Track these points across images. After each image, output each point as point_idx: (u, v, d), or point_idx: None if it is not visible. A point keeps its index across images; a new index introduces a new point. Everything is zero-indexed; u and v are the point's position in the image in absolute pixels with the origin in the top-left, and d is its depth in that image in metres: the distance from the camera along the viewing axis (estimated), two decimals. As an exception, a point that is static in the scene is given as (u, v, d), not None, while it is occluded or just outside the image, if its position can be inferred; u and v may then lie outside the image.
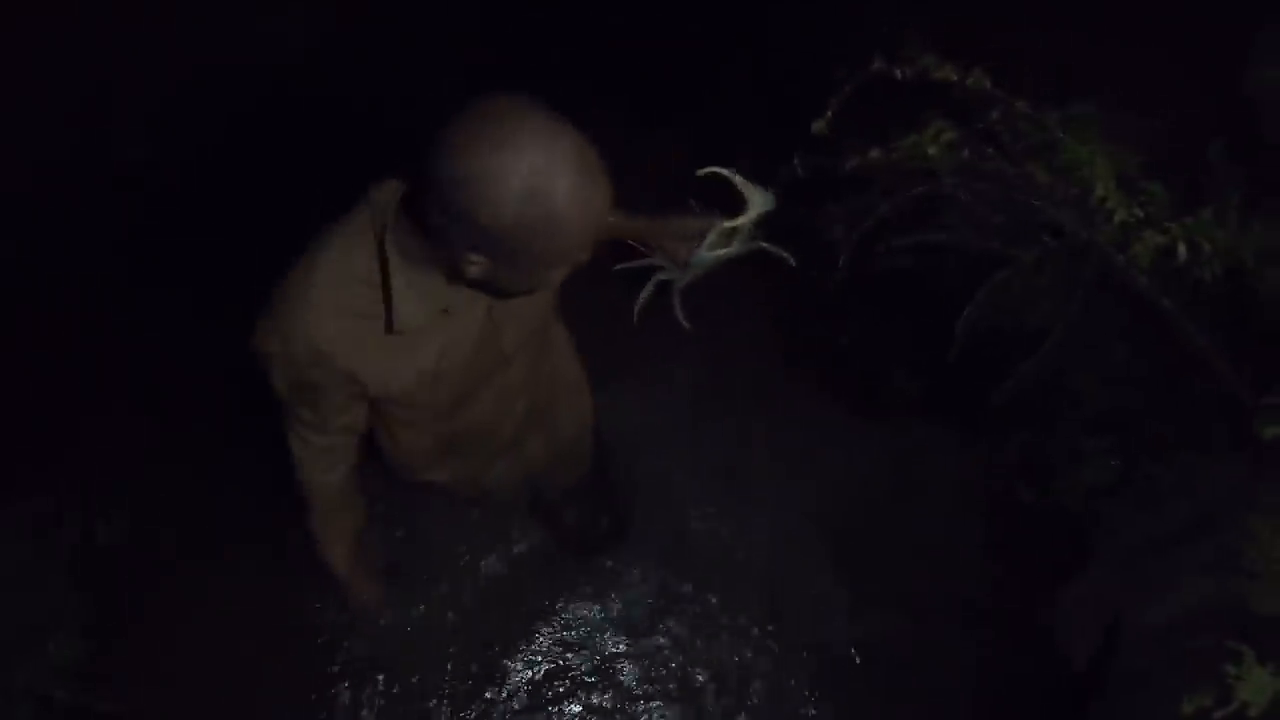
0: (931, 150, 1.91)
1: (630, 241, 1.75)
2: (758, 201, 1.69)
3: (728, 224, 1.65)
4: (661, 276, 1.73)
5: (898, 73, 1.82)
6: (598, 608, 2.60)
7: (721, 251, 1.68)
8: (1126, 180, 1.73)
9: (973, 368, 2.21)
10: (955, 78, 1.79)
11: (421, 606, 2.58)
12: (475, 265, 1.14)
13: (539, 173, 1.04)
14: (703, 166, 1.68)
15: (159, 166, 2.99)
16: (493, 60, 3.04)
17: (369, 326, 1.26)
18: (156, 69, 3.03)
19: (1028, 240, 1.91)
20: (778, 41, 2.95)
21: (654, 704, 2.46)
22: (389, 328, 1.26)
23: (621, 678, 2.50)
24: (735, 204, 1.69)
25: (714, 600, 2.56)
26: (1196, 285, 1.76)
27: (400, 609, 2.56)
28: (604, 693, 2.49)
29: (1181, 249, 1.68)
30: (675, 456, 2.74)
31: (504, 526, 2.64)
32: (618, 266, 1.75)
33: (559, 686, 2.50)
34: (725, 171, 1.67)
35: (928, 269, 2.17)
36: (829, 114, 1.95)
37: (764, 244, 1.75)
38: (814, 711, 2.40)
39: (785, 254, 1.78)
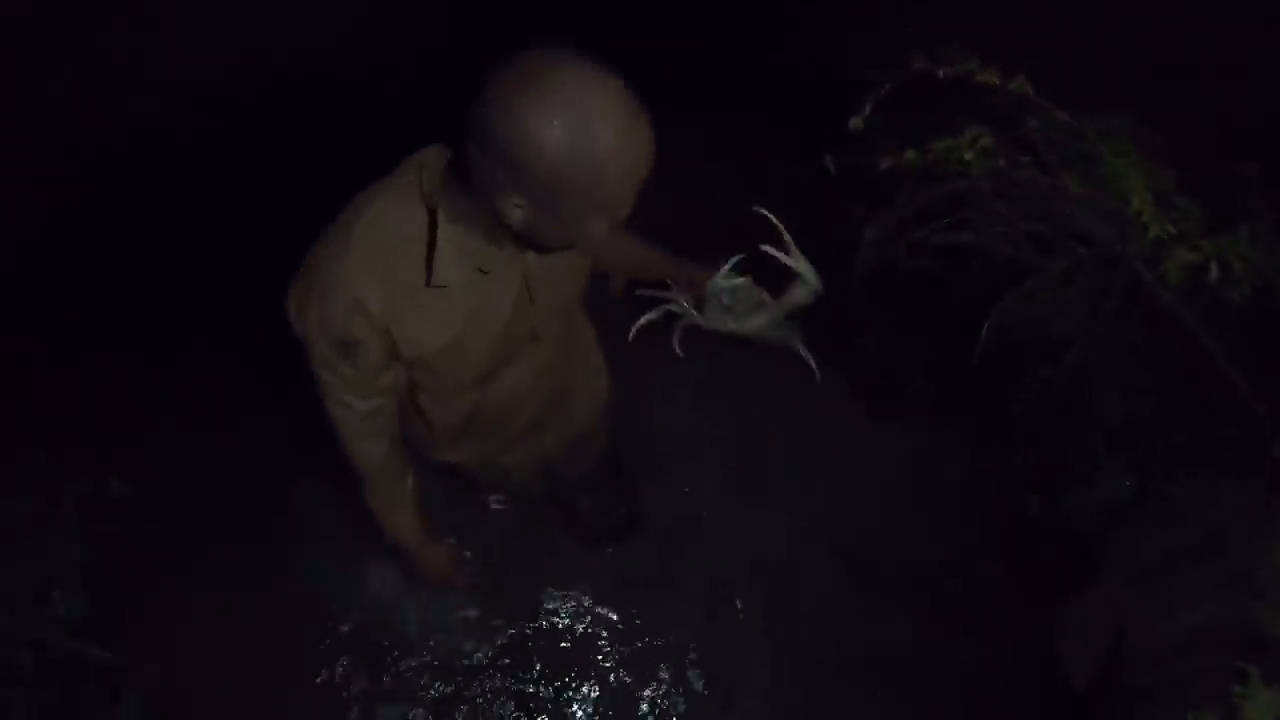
0: (967, 155, 1.91)
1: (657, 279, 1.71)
2: (803, 286, 1.59)
3: (763, 298, 1.61)
4: (672, 308, 1.68)
5: (940, 73, 1.83)
6: (605, 598, 2.60)
7: (743, 325, 1.65)
8: (1161, 196, 1.73)
9: (991, 376, 2.21)
10: (998, 82, 1.79)
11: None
12: (519, 209, 1.16)
13: (584, 115, 1.06)
14: (723, 164, 1.69)
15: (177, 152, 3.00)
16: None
17: (406, 281, 1.27)
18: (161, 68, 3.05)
19: (1057, 249, 1.91)
20: (805, 41, 2.94)
21: (656, 699, 2.47)
22: (428, 280, 1.27)
23: (625, 671, 2.50)
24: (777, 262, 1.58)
25: (722, 597, 2.56)
26: (1221, 305, 1.77)
27: (407, 591, 2.58)
28: (606, 685, 2.49)
29: (1214, 267, 1.68)
30: (689, 453, 2.75)
31: (519, 512, 2.65)
32: (639, 290, 1.71)
33: (562, 677, 2.51)
34: (783, 234, 1.56)
35: (951, 274, 2.17)
36: (866, 112, 1.96)
37: (799, 346, 1.69)
38: (815, 713, 2.40)
39: (812, 362, 1.70)
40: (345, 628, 2.54)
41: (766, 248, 1.52)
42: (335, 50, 3.08)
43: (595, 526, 2.63)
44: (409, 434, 1.67)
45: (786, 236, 1.54)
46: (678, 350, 1.68)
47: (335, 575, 2.59)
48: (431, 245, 1.25)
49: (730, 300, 1.62)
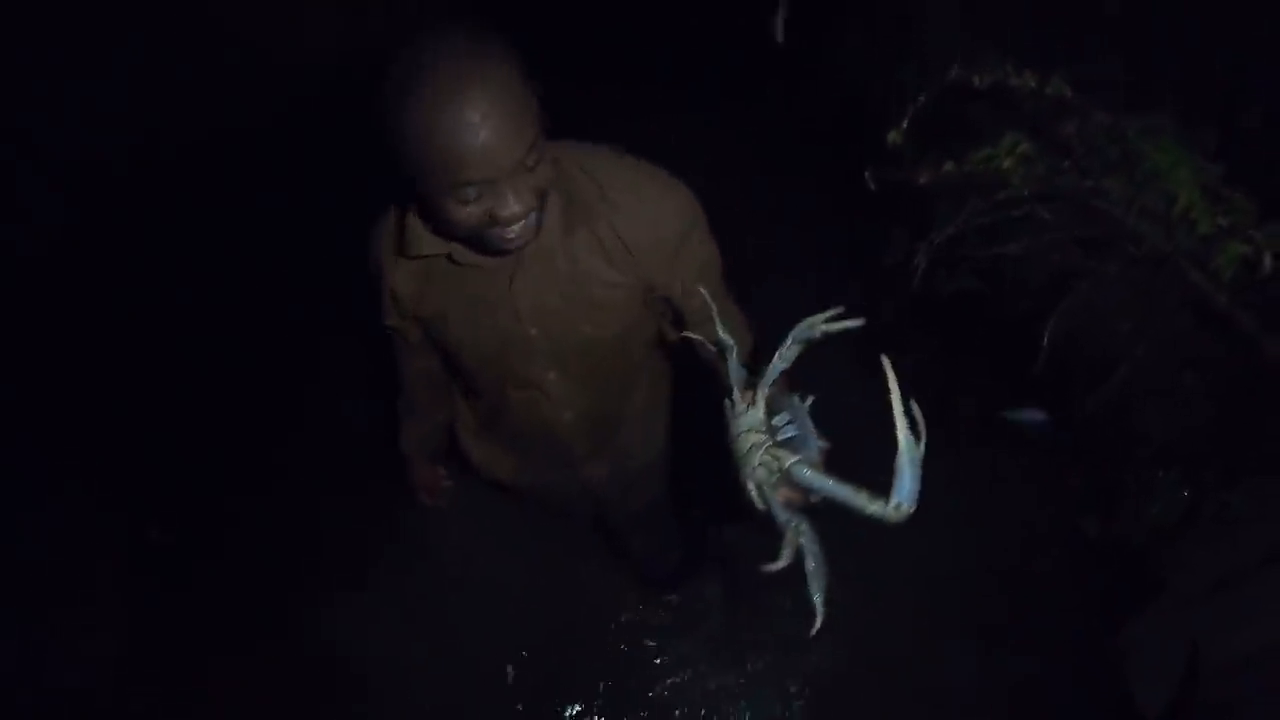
0: (1006, 163, 1.92)
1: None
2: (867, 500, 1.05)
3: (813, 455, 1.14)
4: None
5: (976, 80, 1.84)
6: (647, 639, 2.55)
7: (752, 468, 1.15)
8: (1209, 190, 1.72)
9: (1042, 395, 2.18)
10: (1034, 85, 1.80)
11: (468, 608, 2.57)
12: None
13: (409, 82, 1.09)
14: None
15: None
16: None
17: (393, 246, 1.42)
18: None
19: (1106, 253, 1.89)
20: (841, 56, 2.99)
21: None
22: (398, 249, 1.41)
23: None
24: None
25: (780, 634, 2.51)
26: (1275, 303, 1.74)
27: (448, 610, 2.55)
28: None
29: (1267, 259, 1.65)
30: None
31: (575, 544, 2.62)
32: (684, 334, 1.40)
33: (594, 704, 2.45)
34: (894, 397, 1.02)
35: (994, 290, 2.15)
36: (904, 124, 1.97)
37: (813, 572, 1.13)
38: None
39: (819, 600, 1.11)
40: (376, 681, 2.46)
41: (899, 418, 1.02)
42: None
43: (644, 567, 2.58)
44: (461, 445, 1.88)
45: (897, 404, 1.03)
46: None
47: (368, 625, 2.52)
48: (399, 221, 1.38)
49: (780, 423, 1.17)
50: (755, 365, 1.24)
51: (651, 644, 2.58)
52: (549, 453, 1.77)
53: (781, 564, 1.10)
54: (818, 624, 1.10)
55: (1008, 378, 2.18)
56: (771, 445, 1.13)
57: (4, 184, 2.83)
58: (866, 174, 2.06)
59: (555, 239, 1.34)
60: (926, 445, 1.02)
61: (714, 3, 3.33)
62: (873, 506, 1.03)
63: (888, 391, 1.02)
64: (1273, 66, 1.68)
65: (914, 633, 2.42)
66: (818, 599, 1.10)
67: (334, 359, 2.86)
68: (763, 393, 1.16)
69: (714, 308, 1.29)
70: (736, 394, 1.17)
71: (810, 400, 1.18)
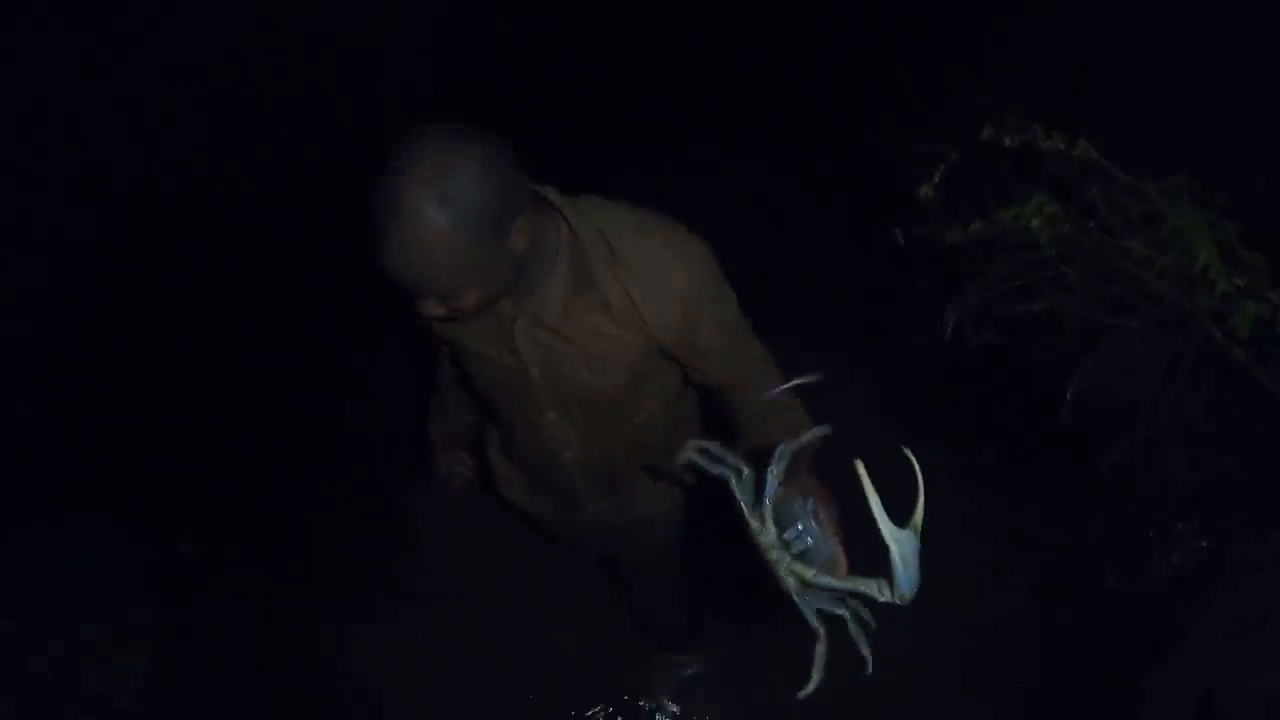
0: (1033, 223, 2.00)
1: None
2: (887, 585, 1.09)
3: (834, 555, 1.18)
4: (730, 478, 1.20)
5: (1006, 141, 1.94)
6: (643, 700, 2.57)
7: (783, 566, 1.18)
8: (1226, 250, 1.80)
9: (1064, 447, 2.23)
10: (1063, 147, 1.89)
11: (466, 636, 2.59)
12: None
13: (381, 176, 1.14)
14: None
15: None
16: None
17: None
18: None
19: (1128, 311, 1.97)
20: (871, 116, 3.11)
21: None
22: None
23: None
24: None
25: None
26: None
27: (447, 635, 2.58)
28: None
29: (1281, 318, 1.73)
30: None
31: (582, 581, 2.63)
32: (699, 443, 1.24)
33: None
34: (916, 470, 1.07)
35: (1019, 345, 2.22)
36: (936, 180, 2.06)
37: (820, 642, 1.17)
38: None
39: (867, 653, 1.20)
40: (399, 702, 2.49)
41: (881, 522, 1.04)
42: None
43: (649, 620, 2.57)
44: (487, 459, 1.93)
45: (919, 510, 1.08)
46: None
47: (384, 646, 2.55)
48: None
49: (792, 533, 1.20)
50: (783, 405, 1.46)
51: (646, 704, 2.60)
52: (554, 485, 1.81)
53: (810, 689, 1.16)
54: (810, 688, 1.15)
55: (1032, 429, 2.24)
56: (790, 561, 1.18)
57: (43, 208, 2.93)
58: (896, 231, 2.14)
59: (559, 295, 1.37)
60: (925, 526, 1.07)
61: (743, 62, 3.48)
62: (883, 597, 1.11)
63: (866, 494, 1.04)
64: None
65: (928, 682, 2.41)
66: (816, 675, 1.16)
67: (368, 381, 2.96)
68: (767, 513, 1.18)
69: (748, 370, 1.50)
70: (749, 516, 1.19)
71: (810, 502, 1.20)
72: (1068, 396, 2.01)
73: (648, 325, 1.38)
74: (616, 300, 1.36)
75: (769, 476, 1.17)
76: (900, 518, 1.06)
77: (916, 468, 1.08)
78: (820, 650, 1.16)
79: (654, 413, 1.64)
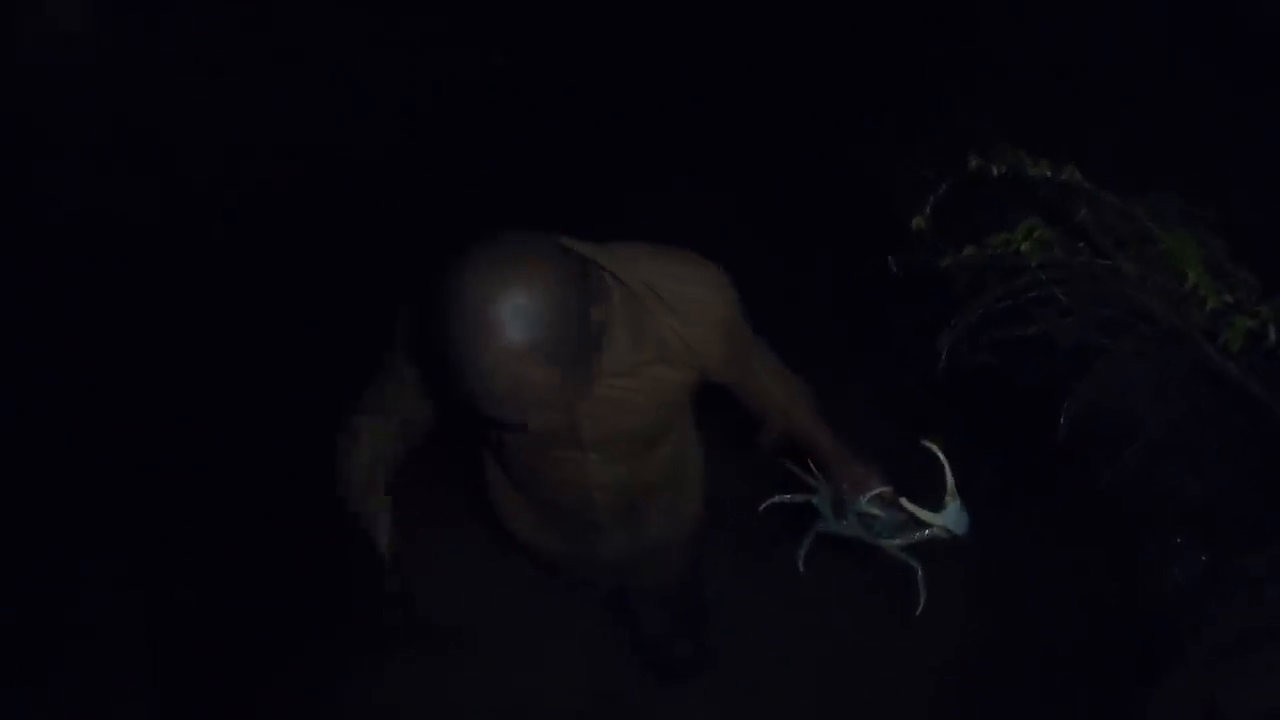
0: (1024, 247, 2.03)
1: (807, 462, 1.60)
2: (946, 514, 1.45)
3: (909, 508, 1.45)
4: (814, 502, 1.57)
5: (994, 169, 1.97)
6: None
7: (874, 540, 1.54)
8: (1215, 267, 1.83)
9: (1060, 466, 2.26)
10: (1049, 173, 1.93)
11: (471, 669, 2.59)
12: None
13: (452, 299, 1.08)
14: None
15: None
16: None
17: None
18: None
19: (1121, 331, 2.00)
20: (861, 145, 3.14)
21: None
22: None
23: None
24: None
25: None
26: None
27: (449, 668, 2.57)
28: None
29: (1272, 331, 1.76)
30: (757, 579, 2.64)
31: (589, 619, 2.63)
32: (776, 499, 1.59)
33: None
34: (947, 475, 1.44)
35: (1013, 367, 2.25)
36: (928, 211, 2.09)
37: (918, 572, 1.53)
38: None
39: (922, 594, 1.54)
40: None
41: (906, 503, 1.43)
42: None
43: (655, 652, 2.57)
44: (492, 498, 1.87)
45: (950, 481, 1.42)
46: (800, 565, 1.57)
47: (402, 688, 2.56)
48: None
49: (871, 521, 1.54)
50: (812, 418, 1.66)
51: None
52: (574, 521, 1.80)
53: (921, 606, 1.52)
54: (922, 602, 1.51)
55: (1029, 450, 2.26)
56: (875, 538, 1.54)
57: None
58: (889, 259, 2.17)
59: (623, 353, 1.37)
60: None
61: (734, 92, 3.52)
62: (948, 535, 1.47)
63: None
64: (1261, 147, 1.81)
65: (929, 699, 2.46)
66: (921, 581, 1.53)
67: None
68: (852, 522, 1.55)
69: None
70: (835, 526, 1.57)
71: (871, 492, 1.53)
72: (1062, 418, 2.04)
73: (700, 359, 1.41)
74: (673, 345, 1.38)
75: (865, 502, 1.52)
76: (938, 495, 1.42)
77: (939, 453, 1.41)
78: (920, 576, 1.51)
79: (676, 442, 1.68)
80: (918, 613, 1.49)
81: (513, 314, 1.05)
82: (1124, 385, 2.04)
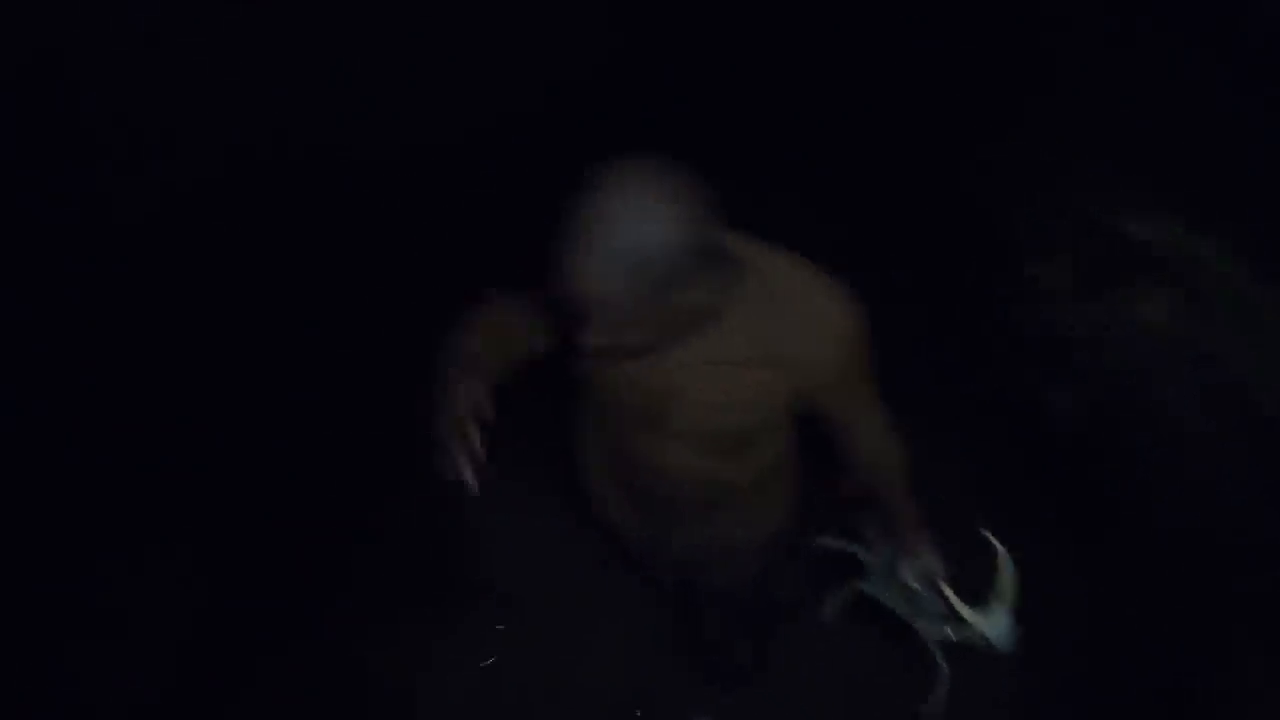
0: (1148, 312, 1.99)
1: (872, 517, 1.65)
2: (990, 620, 1.43)
3: (949, 597, 1.45)
4: (863, 585, 1.61)
5: (1128, 230, 1.95)
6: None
7: (908, 614, 1.55)
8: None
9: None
10: (1179, 239, 1.89)
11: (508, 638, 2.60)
12: None
13: (581, 208, 1.17)
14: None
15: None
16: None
17: None
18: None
19: (1221, 411, 1.96)
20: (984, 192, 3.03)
21: None
22: None
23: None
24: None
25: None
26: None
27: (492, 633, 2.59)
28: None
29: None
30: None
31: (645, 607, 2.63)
32: (819, 539, 1.67)
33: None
34: (1005, 579, 1.42)
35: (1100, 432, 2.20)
36: (1052, 265, 2.07)
37: (939, 654, 1.54)
38: None
39: (945, 671, 1.55)
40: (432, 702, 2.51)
41: (947, 590, 1.43)
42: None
43: (709, 652, 2.54)
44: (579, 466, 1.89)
45: (1004, 583, 1.40)
46: (827, 616, 1.66)
47: (429, 647, 2.60)
48: None
49: (914, 596, 1.52)
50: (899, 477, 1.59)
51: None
52: (656, 507, 1.82)
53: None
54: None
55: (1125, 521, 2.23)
56: (915, 615, 1.53)
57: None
58: (1005, 310, 2.14)
59: (732, 339, 1.40)
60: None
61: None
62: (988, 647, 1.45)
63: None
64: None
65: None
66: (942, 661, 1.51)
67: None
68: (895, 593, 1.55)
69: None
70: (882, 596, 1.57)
71: (919, 565, 1.52)
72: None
73: (811, 377, 1.42)
74: (788, 354, 1.40)
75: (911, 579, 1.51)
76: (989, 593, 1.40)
77: (999, 547, 1.41)
78: (943, 679, 1.50)
79: (769, 449, 1.67)
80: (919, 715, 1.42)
81: (632, 215, 1.16)
82: (1225, 473, 1.99)
